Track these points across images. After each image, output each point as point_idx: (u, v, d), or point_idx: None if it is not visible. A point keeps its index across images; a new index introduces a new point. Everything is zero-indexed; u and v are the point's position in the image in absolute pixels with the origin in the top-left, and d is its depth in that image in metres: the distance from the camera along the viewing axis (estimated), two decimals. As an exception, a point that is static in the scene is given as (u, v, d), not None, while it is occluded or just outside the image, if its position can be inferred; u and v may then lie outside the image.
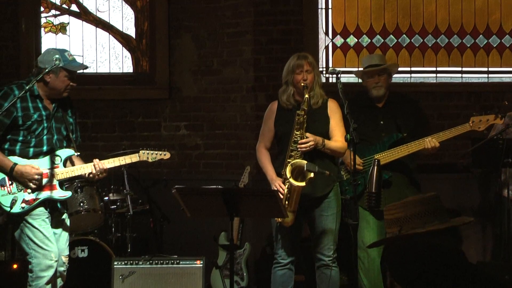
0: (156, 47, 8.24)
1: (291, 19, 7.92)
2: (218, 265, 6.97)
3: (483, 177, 7.55)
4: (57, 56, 5.26)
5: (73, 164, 5.50)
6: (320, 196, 5.75)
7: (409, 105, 6.21)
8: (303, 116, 5.61)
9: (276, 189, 5.56)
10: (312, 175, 5.48)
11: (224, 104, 8.09)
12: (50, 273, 5.33)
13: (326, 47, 8.17)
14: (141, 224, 7.30)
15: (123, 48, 8.37)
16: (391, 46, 8.18)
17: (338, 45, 8.21)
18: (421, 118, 6.17)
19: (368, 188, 5.26)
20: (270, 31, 7.91)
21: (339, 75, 5.49)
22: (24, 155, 5.34)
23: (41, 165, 5.35)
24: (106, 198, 7.00)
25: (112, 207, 7.01)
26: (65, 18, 8.35)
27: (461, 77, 8.27)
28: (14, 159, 5.31)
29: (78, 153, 5.53)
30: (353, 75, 8.16)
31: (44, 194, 5.35)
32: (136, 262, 6.31)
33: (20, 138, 5.35)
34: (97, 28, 8.34)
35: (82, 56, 8.22)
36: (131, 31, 8.38)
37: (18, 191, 5.31)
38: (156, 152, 5.66)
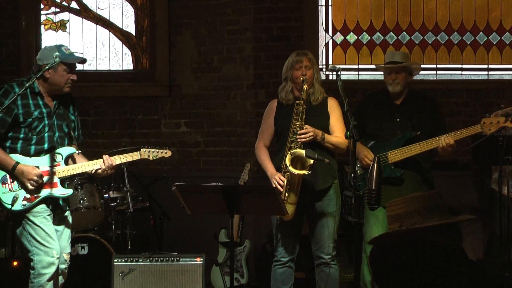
0: (156, 44, 8.24)
1: (291, 16, 7.92)
2: (218, 262, 6.97)
3: (480, 174, 7.55)
4: (56, 53, 5.26)
5: (74, 162, 5.50)
6: (320, 190, 5.75)
7: (427, 104, 6.19)
8: (302, 106, 5.63)
9: (275, 185, 5.56)
10: (311, 162, 5.47)
11: (224, 101, 8.09)
12: (51, 270, 5.33)
13: (326, 44, 8.16)
14: (141, 221, 7.31)
15: (123, 45, 8.37)
16: (391, 43, 8.18)
17: (338, 42, 8.21)
18: (437, 118, 6.15)
19: (368, 186, 5.26)
20: (270, 28, 7.91)
21: (339, 73, 5.49)
22: (26, 152, 5.34)
23: (42, 163, 5.35)
24: (106, 195, 7.00)
25: (112, 204, 7.01)
26: (65, 15, 8.35)
27: (461, 74, 8.26)
28: (16, 157, 5.31)
29: (80, 151, 5.53)
30: (353, 72, 8.19)
31: (45, 192, 5.35)
32: (136, 259, 6.32)
33: (21, 136, 5.34)
34: (97, 26, 8.34)
35: (82, 53, 8.21)
36: (131, 28, 8.38)
37: (19, 189, 5.30)
38: (157, 150, 5.66)
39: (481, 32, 8.25)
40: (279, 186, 5.57)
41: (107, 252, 6.62)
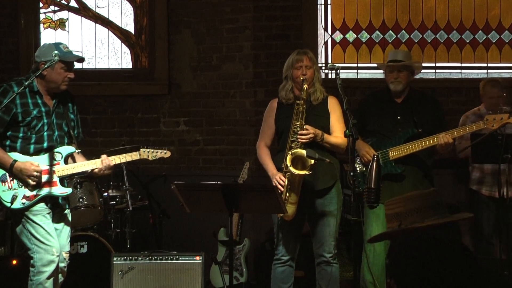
0: (156, 43, 8.24)
1: (290, 14, 7.92)
2: (218, 260, 6.97)
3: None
4: (55, 52, 5.26)
5: (74, 161, 5.50)
6: (321, 190, 5.75)
7: (428, 102, 6.21)
8: (302, 106, 5.62)
9: (275, 184, 5.56)
10: (312, 162, 5.47)
11: (224, 99, 8.09)
12: (51, 268, 5.33)
13: (325, 43, 8.17)
14: (140, 219, 7.31)
15: (122, 44, 8.37)
16: (390, 42, 8.18)
17: (337, 41, 8.21)
18: (438, 116, 6.17)
19: (367, 184, 5.26)
20: (270, 27, 7.91)
21: (338, 71, 5.50)
22: (25, 151, 5.34)
23: (42, 161, 5.35)
24: (106, 194, 7.00)
25: (112, 202, 7.01)
26: (64, 14, 8.35)
27: (460, 72, 8.27)
28: (15, 155, 5.31)
29: (79, 150, 5.53)
30: (352, 71, 8.19)
31: (45, 191, 5.35)
32: (136, 257, 6.31)
33: (21, 135, 5.35)
34: (96, 24, 8.34)
35: (81, 52, 8.21)
36: (130, 26, 8.38)
37: (19, 187, 5.31)
38: (156, 151, 5.67)
39: (480, 31, 8.25)
40: (279, 186, 5.57)
41: (106, 251, 6.62)
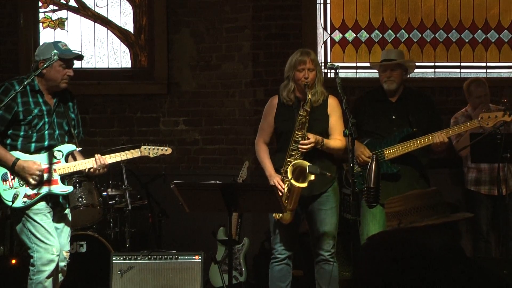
0: (155, 42, 8.23)
1: (289, 14, 7.92)
2: (217, 260, 6.97)
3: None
4: (54, 51, 5.26)
5: (74, 159, 5.51)
6: (318, 194, 5.76)
7: (423, 101, 6.21)
8: (305, 117, 5.60)
9: (274, 184, 5.56)
10: (313, 177, 5.48)
11: (223, 99, 8.09)
12: (51, 267, 5.34)
13: (325, 42, 8.16)
14: (139, 219, 7.31)
15: (122, 43, 8.37)
16: (389, 41, 8.18)
17: (337, 40, 8.21)
18: (434, 115, 6.18)
19: (366, 183, 5.26)
20: (269, 26, 7.91)
21: (337, 70, 5.49)
22: (26, 150, 5.35)
23: (42, 160, 5.36)
24: (105, 193, 7.00)
25: (111, 202, 7.01)
26: (63, 13, 8.34)
27: (460, 72, 8.27)
28: (16, 154, 5.33)
29: (80, 148, 5.54)
30: (351, 70, 8.19)
31: (45, 189, 5.36)
32: (135, 257, 6.31)
33: (22, 133, 5.36)
34: (96, 23, 8.34)
35: (80, 51, 8.19)
36: (129, 26, 8.37)
37: (20, 186, 5.32)
38: (157, 148, 5.68)
39: (479, 30, 8.25)
40: (279, 187, 5.57)
41: (105, 250, 6.63)
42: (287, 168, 5.57)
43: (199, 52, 8.15)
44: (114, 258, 6.31)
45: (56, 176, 5.39)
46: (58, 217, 5.49)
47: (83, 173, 5.69)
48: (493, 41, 8.26)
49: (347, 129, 5.18)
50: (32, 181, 5.30)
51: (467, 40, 8.25)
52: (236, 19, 7.97)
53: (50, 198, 5.42)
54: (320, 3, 8.11)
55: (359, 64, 8.18)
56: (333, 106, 5.83)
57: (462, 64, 8.25)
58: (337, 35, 8.21)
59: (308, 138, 5.58)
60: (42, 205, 5.37)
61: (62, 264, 5.49)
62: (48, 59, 5.26)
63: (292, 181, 5.51)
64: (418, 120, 6.04)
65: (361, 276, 2.60)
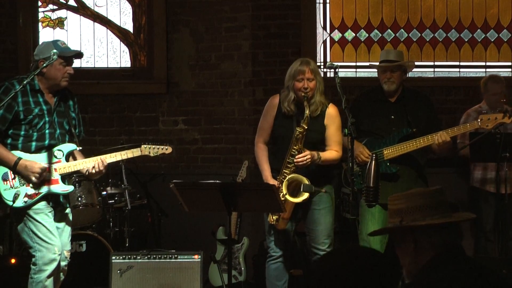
0: (154, 41, 8.23)
1: (289, 13, 7.92)
2: (216, 259, 6.98)
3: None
4: (54, 50, 5.26)
5: (75, 158, 5.51)
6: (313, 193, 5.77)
7: (422, 101, 6.21)
8: (302, 133, 5.59)
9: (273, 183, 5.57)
10: (307, 195, 5.52)
11: (222, 98, 8.09)
12: (53, 266, 5.34)
13: (324, 42, 8.16)
14: (139, 218, 7.31)
15: (121, 42, 8.36)
16: (389, 40, 8.18)
17: (336, 40, 8.21)
18: (432, 115, 6.18)
19: (366, 183, 5.26)
20: (268, 26, 7.90)
21: (337, 70, 5.49)
22: (27, 149, 5.36)
23: (43, 159, 5.37)
24: (104, 192, 7.00)
25: (110, 201, 7.01)
26: (62, 13, 8.34)
27: (459, 71, 8.27)
28: (17, 153, 5.33)
29: (80, 148, 5.54)
30: (351, 70, 8.19)
31: (46, 189, 5.37)
32: (134, 256, 6.31)
33: (22, 133, 5.36)
34: (95, 23, 8.34)
35: (80, 50, 8.20)
36: (129, 25, 8.37)
37: (21, 185, 5.32)
38: (158, 147, 5.68)
39: (478, 30, 8.25)
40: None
41: (105, 250, 6.63)
42: (282, 181, 5.59)
43: (198, 52, 8.15)
44: (113, 258, 6.31)
45: (56, 176, 5.39)
46: (59, 216, 5.50)
47: (83, 175, 5.69)
48: (492, 40, 8.27)
49: (347, 129, 5.18)
50: (35, 180, 5.30)
51: (466, 40, 8.25)
52: (235, 19, 7.97)
53: (51, 198, 5.43)
54: (319, 3, 8.11)
55: (358, 64, 8.18)
56: (332, 116, 5.80)
57: (462, 63, 8.25)
58: (337, 35, 8.21)
59: (304, 152, 5.59)
60: (43, 204, 5.38)
61: (63, 263, 5.49)
62: (47, 58, 5.26)
63: (287, 197, 5.56)
64: (416, 120, 6.04)
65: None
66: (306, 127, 5.59)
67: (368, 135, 6.08)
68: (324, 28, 8.16)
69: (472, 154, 6.87)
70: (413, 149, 5.94)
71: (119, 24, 8.35)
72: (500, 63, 8.28)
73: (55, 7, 8.32)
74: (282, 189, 5.58)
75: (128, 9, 8.36)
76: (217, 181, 5.29)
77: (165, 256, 6.33)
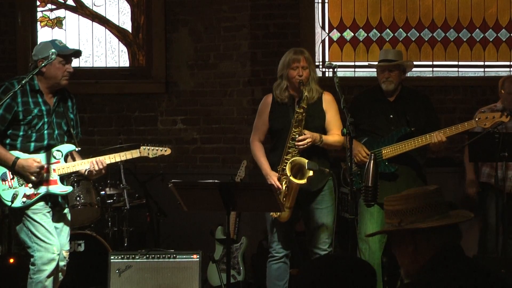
0: (153, 41, 8.23)
1: (287, 13, 7.92)
2: (215, 259, 6.98)
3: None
4: (52, 50, 5.26)
5: (74, 159, 5.52)
6: (315, 191, 5.76)
7: (420, 101, 6.21)
8: (302, 114, 5.60)
9: (271, 183, 5.56)
10: (311, 173, 5.49)
11: (221, 98, 8.09)
12: (52, 266, 5.34)
13: (323, 41, 8.17)
14: (137, 218, 7.31)
15: (120, 42, 8.36)
16: (387, 40, 8.18)
17: (335, 39, 8.21)
18: (431, 115, 6.18)
19: (365, 182, 5.26)
20: (267, 25, 7.91)
21: (335, 69, 5.49)
22: (25, 149, 5.36)
23: (42, 159, 5.37)
24: (103, 192, 7.00)
25: (109, 201, 7.01)
26: (61, 12, 8.34)
27: (458, 71, 8.27)
28: (15, 153, 5.34)
29: (79, 148, 5.54)
30: (349, 69, 8.19)
31: (45, 189, 5.37)
32: (133, 256, 6.31)
33: (21, 133, 5.36)
34: (94, 22, 8.33)
35: (78, 49, 8.19)
36: (127, 25, 8.37)
37: (19, 186, 5.32)
38: (157, 148, 5.68)
39: (477, 29, 8.26)
40: (276, 186, 5.57)
41: (103, 249, 6.62)
42: (285, 165, 5.57)
43: (197, 51, 8.15)
44: (112, 257, 6.31)
45: (55, 176, 5.39)
46: (57, 216, 5.49)
47: (82, 175, 5.69)
48: (491, 40, 8.27)
49: (345, 128, 5.18)
50: (33, 179, 5.30)
51: (465, 39, 8.25)
52: (234, 18, 7.97)
53: (49, 198, 5.43)
54: (318, 2, 8.11)
55: (357, 63, 8.18)
56: (329, 102, 5.84)
57: (460, 63, 8.25)
58: (335, 34, 8.21)
59: (304, 134, 5.59)
60: (41, 204, 5.38)
61: (62, 263, 5.49)
62: (46, 58, 5.27)
63: (291, 178, 5.52)
64: (415, 119, 6.04)
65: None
66: (305, 107, 5.61)
67: (367, 134, 6.08)
68: (323, 27, 8.16)
69: (471, 154, 6.86)
70: (411, 148, 5.94)
71: (117, 24, 8.35)
72: (499, 63, 8.29)
73: (54, 6, 8.32)
74: (286, 172, 5.56)
75: (126, 8, 8.36)
76: (216, 181, 5.29)
77: (163, 255, 6.33)
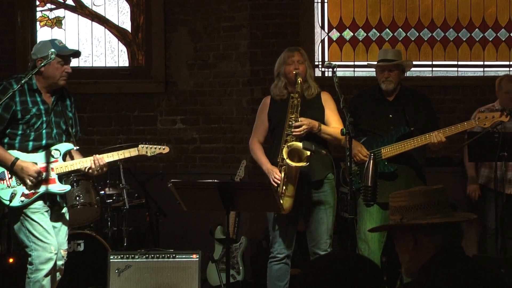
0: (152, 41, 8.23)
1: (287, 12, 7.92)
2: (214, 259, 6.98)
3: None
4: (52, 50, 5.26)
5: (72, 158, 5.52)
6: (317, 183, 5.74)
7: (420, 100, 6.21)
8: (297, 99, 5.63)
9: (272, 181, 5.56)
10: (308, 153, 5.47)
11: (220, 98, 8.09)
12: (49, 266, 5.34)
13: (322, 41, 8.16)
14: (137, 218, 7.31)
15: (119, 42, 8.36)
16: (387, 40, 8.18)
17: (334, 39, 8.21)
18: (430, 114, 6.18)
19: (364, 182, 5.26)
20: (266, 25, 7.90)
21: (335, 69, 5.49)
22: (24, 149, 5.36)
23: (40, 159, 5.37)
24: (102, 192, 7.00)
25: (108, 201, 7.01)
26: (60, 12, 8.33)
27: (457, 71, 8.27)
28: (14, 153, 5.33)
29: (78, 147, 5.54)
30: (349, 69, 8.19)
31: (43, 188, 5.37)
32: (132, 256, 6.31)
33: (19, 132, 5.36)
34: (93, 22, 8.33)
35: (78, 49, 8.19)
36: (127, 25, 8.37)
37: (18, 185, 5.32)
38: (155, 146, 5.68)
39: (476, 29, 8.26)
40: (276, 181, 5.57)
41: (103, 249, 6.62)
42: (282, 150, 5.57)
43: (196, 51, 8.15)
44: (111, 257, 6.31)
45: (53, 175, 5.39)
46: (56, 216, 5.50)
47: (82, 173, 5.69)
48: (490, 40, 8.27)
49: (345, 128, 5.18)
50: (29, 182, 5.30)
51: (464, 39, 8.25)
52: (233, 18, 7.97)
53: (48, 197, 5.43)
54: (317, 2, 8.11)
55: (356, 63, 8.17)
56: (327, 99, 5.89)
57: (460, 63, 8.25)
58: (335, 34, 8.21)
59: (301, 121, 5.59)
60: (39, 204, 5.38)
61: (59, 262, 5.49)
62: (45, 57, 5.27)
63: (288, 161, 5.50)
64: (415, 119, 6.05)
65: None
66: (300, 91, 5.64)
67: (366, 134, 6.08)
68: (322, 27, 8.16)
69: (470, 154, 6.86)
70: (411, 148, 5.94)
71: (117, 24, 8.35)
72: (498, 62, 8.29)
73: (53, 6, 8.32)
74: (283, 156, 5.56)
75: (126, 8, 8.36)
76: (215, 181, 5.30)
77: (163, 255, 6.33)
